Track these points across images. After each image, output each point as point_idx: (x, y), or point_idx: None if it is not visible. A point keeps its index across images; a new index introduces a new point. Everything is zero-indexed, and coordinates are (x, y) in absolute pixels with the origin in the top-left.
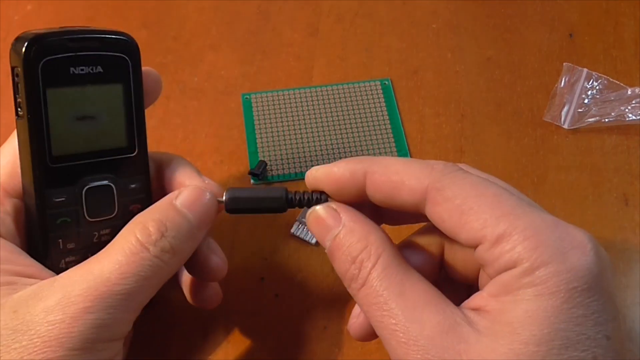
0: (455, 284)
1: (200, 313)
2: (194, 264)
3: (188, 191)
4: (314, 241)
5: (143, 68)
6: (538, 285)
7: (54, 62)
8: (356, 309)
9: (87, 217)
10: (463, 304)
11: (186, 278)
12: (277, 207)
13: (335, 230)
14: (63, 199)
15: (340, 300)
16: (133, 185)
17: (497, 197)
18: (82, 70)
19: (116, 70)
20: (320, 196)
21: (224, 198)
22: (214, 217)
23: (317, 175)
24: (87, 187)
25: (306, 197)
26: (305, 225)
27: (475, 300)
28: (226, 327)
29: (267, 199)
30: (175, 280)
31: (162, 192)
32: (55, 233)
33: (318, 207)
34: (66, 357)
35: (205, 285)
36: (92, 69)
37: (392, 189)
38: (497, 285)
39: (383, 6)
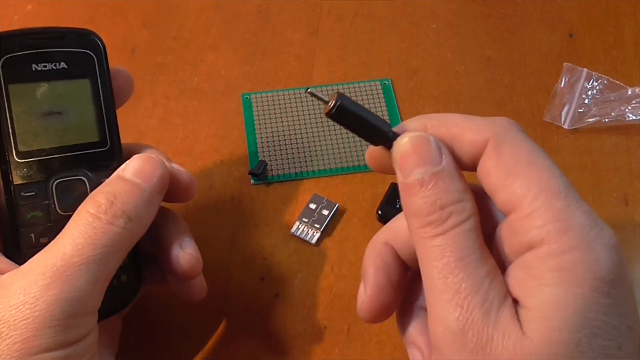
0: None
1: (199, 313)
2: (167, 262)
3: (134, 160)
4: (314, 241)
5: (113, 67)
6: (564, 270)
7: (14, 60)
8: (362, 288)
9: (59, 211)
10: None
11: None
12: (379, 137)
13: (430, 168)
14: (32, 193)
15: (340, 300)
16: (107, 179)
17: (547, 172)
18: (44, 66)
19: (81, 66)
20: None
21: (332, 102)
22: (167, 179)
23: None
24: (57, 181)
25: None
26: (306, 225)
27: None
28: (226, 327)
29: (372, 125)
30: (163, 274)
31: None
32: (26, 228)
33: (418, 135)
34: (35, 337)
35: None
36: (55, 65)
37: (451, 140)
38: (521, 268)
39: (383, 6)
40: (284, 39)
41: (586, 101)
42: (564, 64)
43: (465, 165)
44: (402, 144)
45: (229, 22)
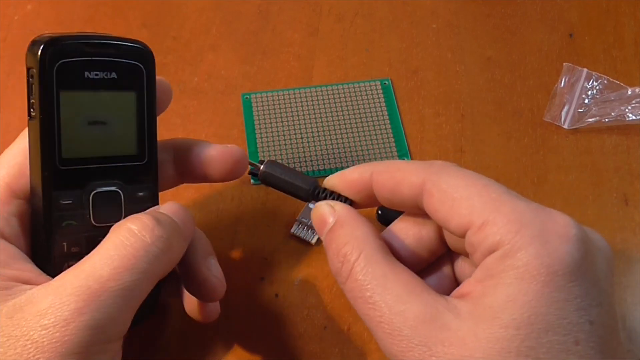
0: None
1: None
2: (192, 283)
3: (169, 204)
4: (314, 241)
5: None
6: (519, 268)
7: (69, 65)
8: None
9: (93, 222)
10: (453, 292)
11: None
12: (302, 195)
13: (324, 229)
14: (70, 201)
15: (340, 300)
16: (141, 193)
17: (485, 187)
18: (96, 75)
19: (130, 78)
20: (345, 199)
21: (260, 168)
22: (193, 231)
23: (333, 181)
24: (95, 191)
25: (331, 197)
26: (306, 225)
27: (463, 287)
28: (226, 327)
29: (296, 186)
30: (176, 289)
31: (187, 173)
32: (60, 236)
33: (319, 203)
34: None
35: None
36: (106, 75)
37: (394, 185)
38: (482, 270)
39: (383, 6)
40: (284, 39)
41: (586, 101)
42: (564, 64)
43: (409, 207)
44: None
45: (229, 22)
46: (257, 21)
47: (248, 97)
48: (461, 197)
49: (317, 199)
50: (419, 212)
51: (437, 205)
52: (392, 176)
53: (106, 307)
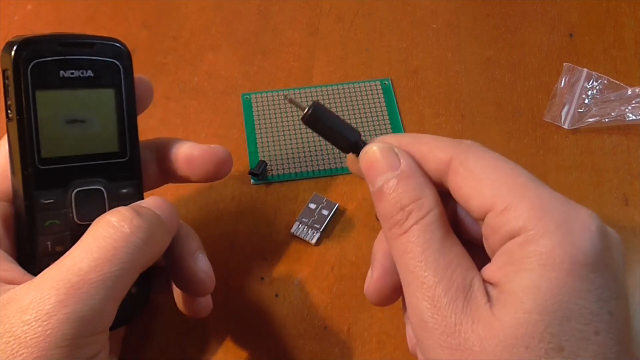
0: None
1: None
2: (180, 278)
3: (149, 198)
4: (314, 241)
5: (136, 76)
6: (541, 255)
7: (43, 65)
8: (370, 272)
9: (76, 220)
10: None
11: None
12: (345, 144)
13: (390, 174)
14: (52, 200)
15: (340, 300)
16: (125, 190)
17: (512, 171)
18: (72, 73)
19: (107, 75)
20: None
21: (306, 109)
22: (177, 225)
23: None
24: (77, 189)
25: None
26: (306, 225)
27: (484, 273)
28: (226, 327)
29: (341, 133)
30: (166, 285)
31: (170, 173)
32: (43, 235)
33: (378, 146)
34: (45, 357)
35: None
36: (82, 73)
37: (420, 157)
38: (502, 255)
39: (383, 6)
40: (284, 39)
41: (586, 101)
42: (564, 64)
43: (432, 181)
44: (364, 156)
45: (229, 22)
46: (257, 21)
47: (248, 97)
48: (487, 178)
49: (356, 150)
50: (440, 189)
51: (461, 183)
52: (419, 149)
53: (88, 299)
